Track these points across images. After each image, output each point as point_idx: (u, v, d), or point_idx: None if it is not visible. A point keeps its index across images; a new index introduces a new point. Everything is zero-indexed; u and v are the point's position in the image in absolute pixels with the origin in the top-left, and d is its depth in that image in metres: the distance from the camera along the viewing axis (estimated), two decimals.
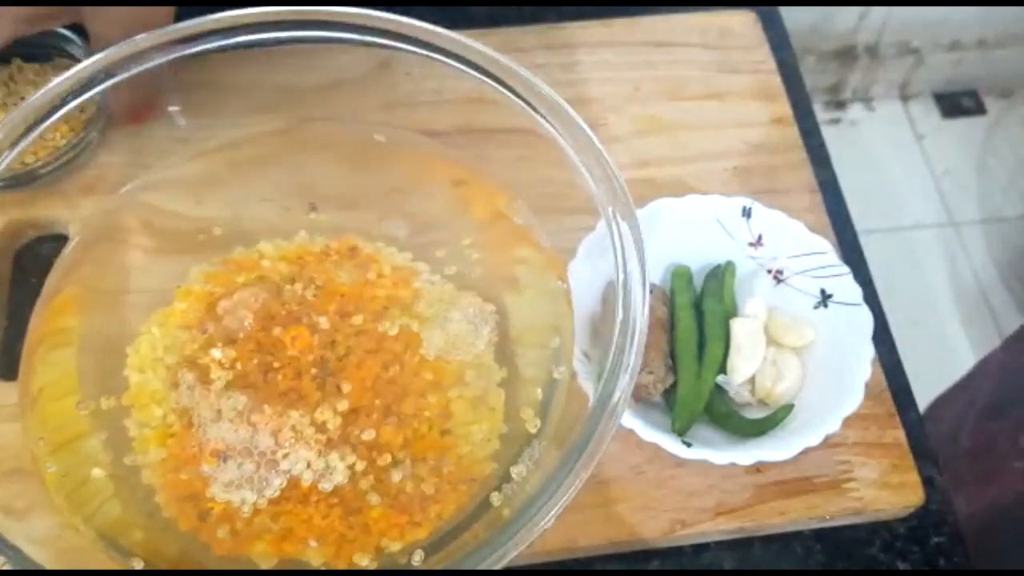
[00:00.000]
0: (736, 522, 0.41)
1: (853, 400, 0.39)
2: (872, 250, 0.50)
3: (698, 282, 0.45)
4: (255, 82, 0.43)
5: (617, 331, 0.33)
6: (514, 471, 0.36)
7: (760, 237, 0.45)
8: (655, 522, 0.41)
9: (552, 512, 0.30)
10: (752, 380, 0.42)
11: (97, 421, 0.37)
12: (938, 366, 1.18)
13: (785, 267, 0.44)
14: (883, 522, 0.43)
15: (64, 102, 0.37)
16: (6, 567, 0.30)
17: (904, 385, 0.46)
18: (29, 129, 0.36)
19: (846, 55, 1.35)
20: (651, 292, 0.43)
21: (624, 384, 0.32)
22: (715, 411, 0.41)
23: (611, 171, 0.35)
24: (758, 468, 0.42)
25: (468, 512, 0.36)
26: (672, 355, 0.42)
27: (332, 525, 0.35)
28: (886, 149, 1.40)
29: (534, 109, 0.37)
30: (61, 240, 0.44)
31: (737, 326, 0.42)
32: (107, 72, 0.37)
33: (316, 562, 0.34)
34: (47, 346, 0.39)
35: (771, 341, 0.43)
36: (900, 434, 0.43)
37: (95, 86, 0.37)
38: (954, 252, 1.32)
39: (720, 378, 0.42)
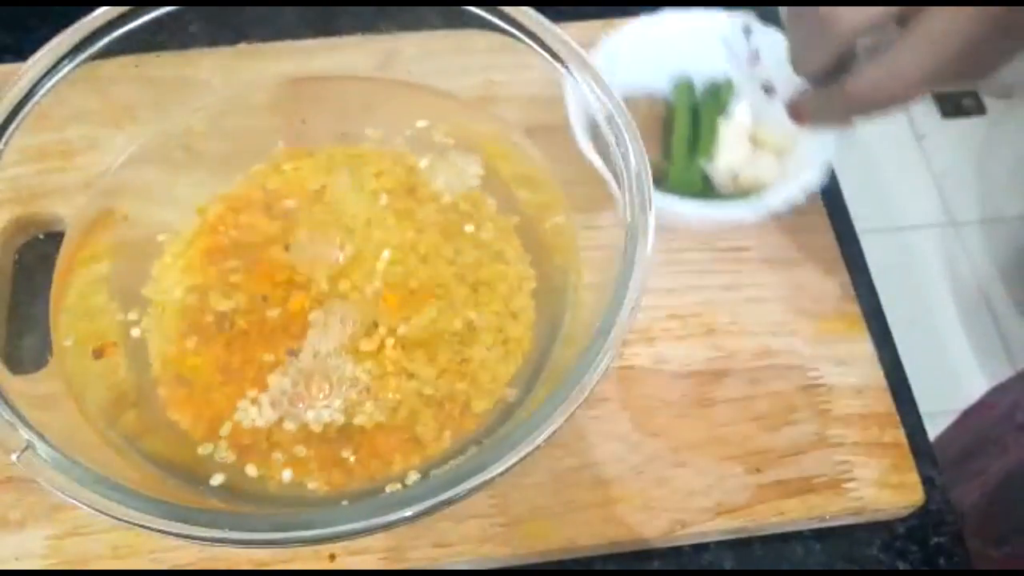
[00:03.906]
0: (736, 522, 0.41)
1: (812, 178, 0.44)
2: (872, 250, 0.50)
3: (698, 97, 0.49)
4: (255, 80, 0.43)
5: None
6: (510, 394, 0.37)
7: (757, 52, 0.49)
8: (655, 522, 0.41)
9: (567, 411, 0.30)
10: (734, 173, 0.47)
11: (121, 334, 0.39)
12: (938, 366, 1.18)
13: (778, 82, 0.48)
14: (883, 522, 0.43)
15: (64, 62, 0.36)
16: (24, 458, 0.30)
17: (904, 385, 0.46)
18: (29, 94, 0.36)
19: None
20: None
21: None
22: (704, 198, 0.46)
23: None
24: (758, 468, 0.42)
25: (472, 435, 0.37)
26: (668, 152, 0.48)
27: (330, 448, 0.36)
28: (886, 149, 1.40)
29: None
30: (63, 238, 0.44)
31: (723, 125, 0.48)
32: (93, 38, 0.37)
33: (314, 484, 0.36)
34: (80, 262, 0.40)
35: (756, 143, 0.48)
36: (900, 434, 0.43)
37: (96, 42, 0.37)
38: (954, 252, 1.32)
39: (705, 164, 0.47)
